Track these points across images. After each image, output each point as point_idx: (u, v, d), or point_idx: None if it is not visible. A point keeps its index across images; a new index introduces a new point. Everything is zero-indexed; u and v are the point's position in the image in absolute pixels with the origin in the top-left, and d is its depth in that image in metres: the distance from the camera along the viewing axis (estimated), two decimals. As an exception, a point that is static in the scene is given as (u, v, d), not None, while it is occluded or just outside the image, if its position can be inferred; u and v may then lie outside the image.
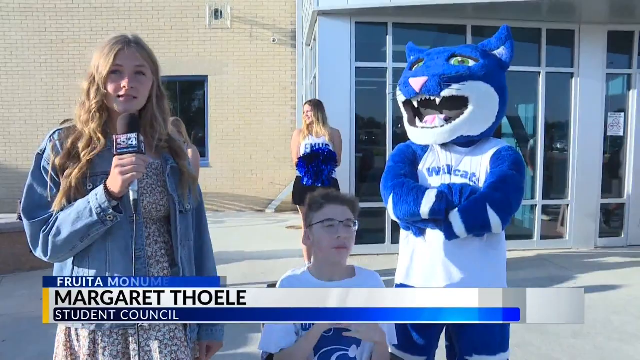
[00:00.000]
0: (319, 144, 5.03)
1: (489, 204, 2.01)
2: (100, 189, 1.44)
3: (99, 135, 1.51)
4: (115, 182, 1.42)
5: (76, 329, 1.51)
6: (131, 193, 1.44)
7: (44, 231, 1.47)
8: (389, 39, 6.25)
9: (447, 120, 2.18)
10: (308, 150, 5.03)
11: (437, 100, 2.18)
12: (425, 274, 2.18)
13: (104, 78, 1.50)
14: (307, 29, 8.00)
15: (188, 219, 1.66)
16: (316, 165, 4.94)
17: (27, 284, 5.01)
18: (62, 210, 1.47)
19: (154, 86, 1.59)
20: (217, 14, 9.60)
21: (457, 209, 2.03)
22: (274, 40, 9.69)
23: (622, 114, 6.83)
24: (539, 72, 6.50)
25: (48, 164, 1.49)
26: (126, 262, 1.49)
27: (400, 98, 2.32)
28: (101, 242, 1.49)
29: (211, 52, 9.69)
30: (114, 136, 1.45)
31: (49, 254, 1.48)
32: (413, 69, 2.33)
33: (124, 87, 1.50)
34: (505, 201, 2.04)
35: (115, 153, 1.43)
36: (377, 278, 1.87)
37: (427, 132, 2.22)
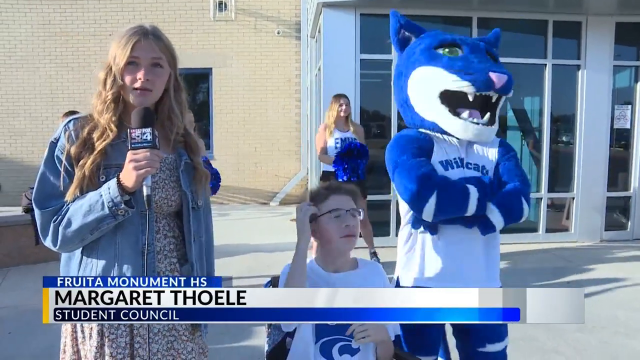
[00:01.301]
0: (349, 139, 5.11)
1: (523, 196, 2.04)
2: (113, 183, 1.44)
3: (112, 126, 1.51)
4: (129, 176, 1.42)
5: None
6: (144, 188, 1.44)
7: (54, 221, 1.48)
8: (394, 31, 6.20)
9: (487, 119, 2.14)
10: (339, 145, 5.09)
11: (494, 99, 2.10)
12: (439, 272, 2.11)
13: (120, 69, 1.50)
14: (311, 20, 7.96)
15: (200, 215, 1.66)
16: (353, 161, 4.96)
17: (32, 276, 5.03)
18: (74, 201, 1.47)
19: (171, 78, 1.59)
20: (221, 6, 9.56)
21: (492, 202, 2.00)
22: (278, 33, 9.66)
23: (629, 106, 6.77)
24: (545, 64, 6.42)
25: (62, 153, 1.49)
26: (135, 256, 1.50)
27: (469, 90, 2.06)
28: (111, 235, 1.50)
29: (215, 45, 9.66)
30: (128, 130, 1.44)
31: (58, 244, 1.49)
32: (445, 53, 2.14)
33: (140, 79, 1.50)
34: (529, 193, 2.10)
35: (129, 147, 1.43)
36: (379, 269, 1.90)
37: (479, 128, 2.08)
